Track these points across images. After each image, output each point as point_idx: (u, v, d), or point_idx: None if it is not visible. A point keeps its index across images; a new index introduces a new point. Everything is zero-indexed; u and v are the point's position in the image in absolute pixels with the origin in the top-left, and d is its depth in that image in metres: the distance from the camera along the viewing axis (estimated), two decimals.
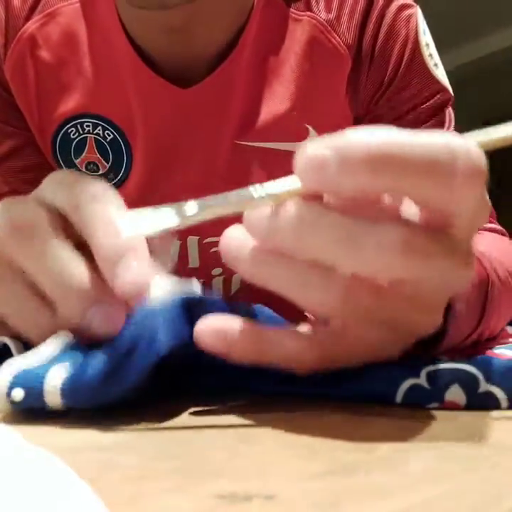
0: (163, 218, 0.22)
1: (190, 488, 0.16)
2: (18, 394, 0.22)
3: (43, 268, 0.25)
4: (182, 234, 0.58)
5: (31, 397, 0.22)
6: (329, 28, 0.54)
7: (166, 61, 0.52)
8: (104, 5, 0.52)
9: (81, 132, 0.55)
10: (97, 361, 0.22)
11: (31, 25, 0.54)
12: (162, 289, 0.25)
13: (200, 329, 0.23)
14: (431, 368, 0.25)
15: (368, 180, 0.20)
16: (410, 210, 0.23)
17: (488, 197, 0.23)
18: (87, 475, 0.14)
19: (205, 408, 0.25)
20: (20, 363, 0.23)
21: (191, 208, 0.22)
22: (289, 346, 0.24)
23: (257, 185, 0.22)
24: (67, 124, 0.55)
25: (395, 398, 0.24)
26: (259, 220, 0.23)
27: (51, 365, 0.23)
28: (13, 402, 0.22)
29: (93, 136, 0.55)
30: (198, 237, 0.58)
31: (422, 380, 0.24)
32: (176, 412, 0.24)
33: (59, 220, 0.27)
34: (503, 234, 0.58)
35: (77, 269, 0.25)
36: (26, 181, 0.57)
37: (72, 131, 0.55)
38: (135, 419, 0.22)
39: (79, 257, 0.26)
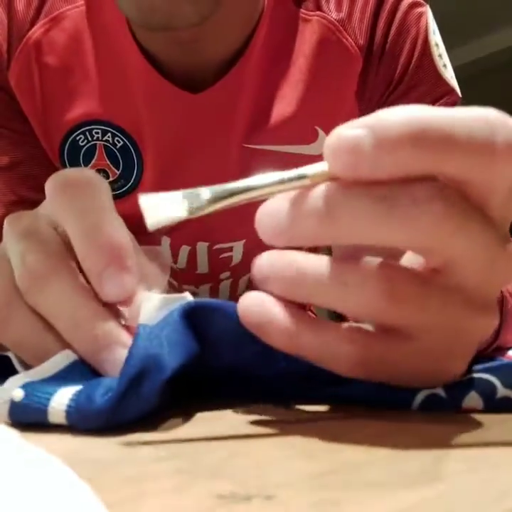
0: (184, 204, 0.21)
1: (190, 488, 0.16)
2: (18, 394, 0.22)
3: (57, 314, 0.25)
4: (191, 240, 0.57)
5: (34, 412, 0.22)
6: (340, 28, 0.53)
7: (175, 67, 0.52)
8: (111, 8, 0.51)
9: (90, 139, 0.54)
10: (104, 390, 0.22)
11: (37, 31, 0.53)
12: (155, 304, 0.25)
13: (244, 300, 0.22)
14: None
15: (408, 157, 0.19)
16: None
17: None
18: (87, 475, 0.14)
19: (205, 408, 0.25)
20: (27, 375, 0.23)
21: (207, 193, 0.21)
22: (324, 336, 0.21)
23: (286, 171, 0.21)
24: (76, 131, 0.54)
25: (411, 408, 0.24)
26: (273, 212, 0.21)
27: (59, 386, 0.22)
28: (13, 404, 0.22)
29: (102, 143, 0.54)
30: (207, 244, 0.57)
31: (439, 390, 0.24)
32: (175, 412, 0.24)
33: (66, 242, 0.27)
34: None
35: (89, 312, 0.25)
36: (34, 189, 0.56)
37: (81, 138, 0.54)
38: (135, 420, 0.22)
39: (91, 296, 0.25)
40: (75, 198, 0.26)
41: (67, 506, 0.12)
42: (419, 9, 0.55)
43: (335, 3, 0.54)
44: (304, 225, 0.20)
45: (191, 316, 0.24)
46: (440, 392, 0.24)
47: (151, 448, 0.20)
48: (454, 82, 0.57)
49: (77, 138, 0.54)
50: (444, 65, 0.56)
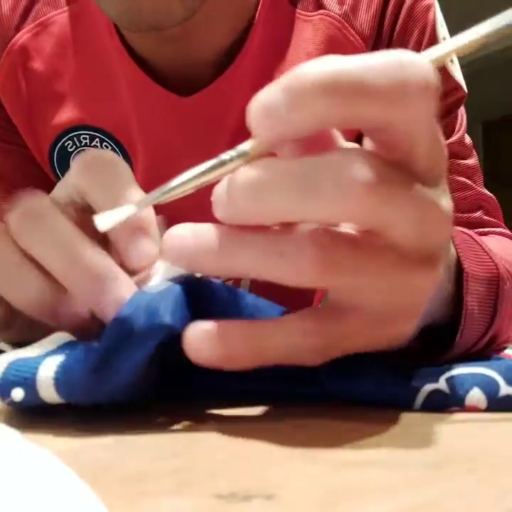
0: (125, 211, 0.22)
1: (190, 488, 0.16)
2: (18, 394, 0.22)
3: (52, 252, 0.25)
4: None
5: (26, 391, 0.22)
6: (345, 23, 0.52)
7: (165, 68, 0.51)
8: (98, 13, 0.50)
9: (78, 145, 0.53)
10: (91, 349, 0.22)
11: (22, 36, 0.52)
12: (160, 273, 0.25)
13: (189, 333, 0.21)
14: (449, 373, 0.24)
15: (321, 109, 0.19)
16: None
17: (441, 137, 0.22)
18: (87, 475, 0.14)
19: (205, 408, 0.25)
20: (16, 353, 0.23)
21: (155, 193, 0.22)
22: (288, 331, 0.22)
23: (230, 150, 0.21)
24: (64, 137, 0.53)
25: (414, 404, 0.24)
26: (217, 190, 0.21)
27: (46, 357, 0.22)
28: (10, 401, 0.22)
29: (90, 148, 0.53)
30: None
31: (442, 385, 0.24)
32: (175, 412, 0.24)
33: (74, 211, 0.27)
34: None
35: (86, 248, 0.25)
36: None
37: (69, 144, 0.54)
38: (135, 420, 0.22)
39: (88, 239, 0.26)
40: (102, 173, 0.27)
41: (67, 506, 0.12)
42: (427, 2, 0.54)
43: None
44: (237, 205, 0.21)
45: (193, 292, 0.24)
46: (443, 387, 0.24)
47: (151, 448, 0.20)
48: (460, 78, 0.56)
49: (66, 144, 0.54)
50: (451, 60, 0.56)
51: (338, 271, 0.21)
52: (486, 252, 0.38)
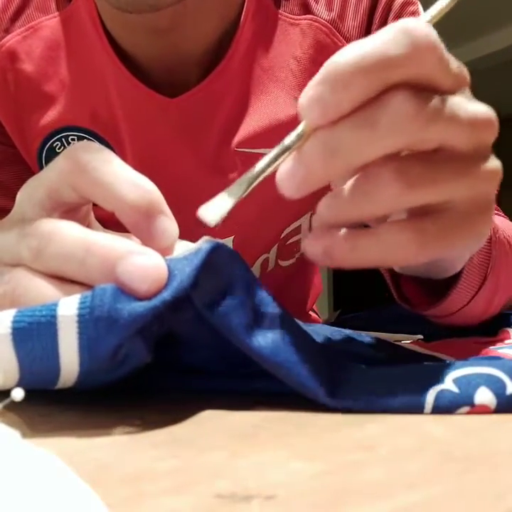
0: (228, 196, 0.25)
1: (190, 488, 0.16)
2: (19, 394, 0.22)
3: (65, 258, 0.24)
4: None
5: (42, 330, 0.21)
6: (334, 29, 0.53)
7: (152, 67, 0.51)
8: (86, 15, 0.51)
9: (66, 146, 0.54)
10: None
11: (11, 39, 0.53)
12: (183, 248, 0.26)
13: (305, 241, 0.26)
14: (455, 374, 0.24)
15: (360, 85, 0.23)
16: None
17: (453, 65, 0.25)
18: (87, 475, 0.14)
19: (205, 408, 0.25)
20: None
21: (241, 186, 0.25)
22: (386, 229, 0.25)
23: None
24: (52, 137, 0.54)
25: (424, 408, 0.23)
26: (288, 171, 0.24)
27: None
28: (16, 331, 0.21)
29: None
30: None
31: (449, 385, 0.24)
32: (175, 412, 0.24)
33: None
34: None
35: (96, 236, 0.24)
36: (14, 197, 0.56)
37: (57, 145, 0.54)
38: (135, 420, 0.22)
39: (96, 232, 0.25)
40: (102, 165, 0.26)
41: (67, 506, 0.12)
42: (412, 8, 0.55)
43: (325, 1, 0.53)
44: (314, 169, 0.24)
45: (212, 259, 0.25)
46: (451, 387, 0.24)
47: (151, 448, 0.20)
48: None
49: (54, 144, 0.54)
50: None
51: (418, 183, 0.24)
52: None
